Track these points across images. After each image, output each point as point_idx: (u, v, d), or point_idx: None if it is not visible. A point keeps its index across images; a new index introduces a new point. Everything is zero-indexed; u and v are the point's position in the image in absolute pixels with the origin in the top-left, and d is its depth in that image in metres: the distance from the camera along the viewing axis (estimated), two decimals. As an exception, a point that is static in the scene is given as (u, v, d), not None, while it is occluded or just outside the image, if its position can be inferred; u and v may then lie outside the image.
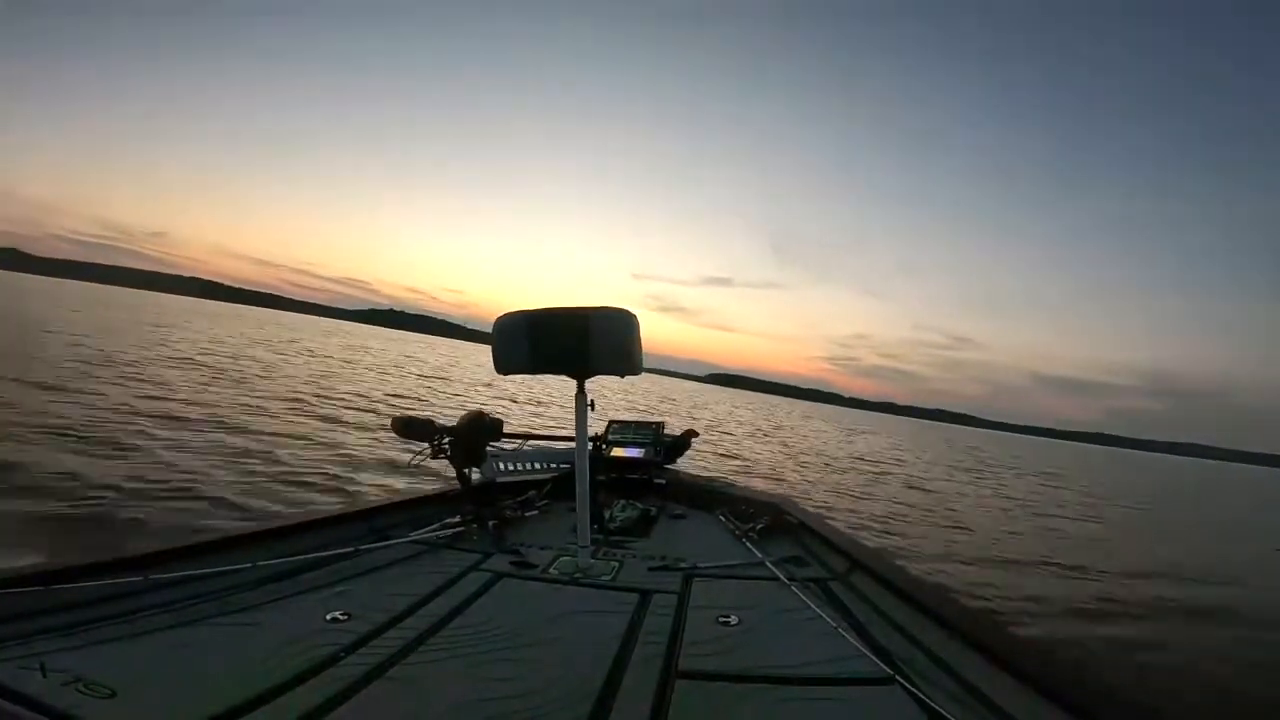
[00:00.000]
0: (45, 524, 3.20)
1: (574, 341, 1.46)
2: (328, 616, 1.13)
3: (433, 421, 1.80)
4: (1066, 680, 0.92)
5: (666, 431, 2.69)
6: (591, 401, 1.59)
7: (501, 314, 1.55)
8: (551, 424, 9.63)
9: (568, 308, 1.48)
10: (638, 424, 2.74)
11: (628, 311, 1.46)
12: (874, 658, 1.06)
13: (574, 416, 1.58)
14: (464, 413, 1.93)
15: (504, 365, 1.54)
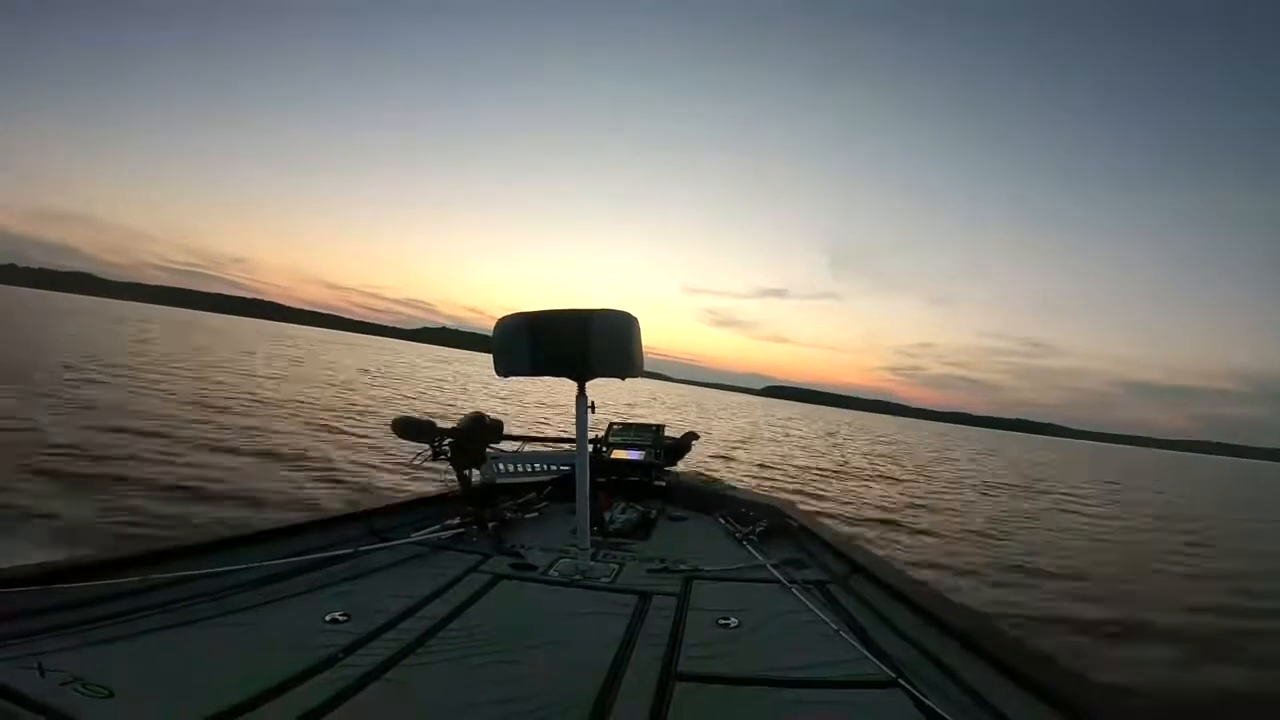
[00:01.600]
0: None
1: (574, 343, 1.46)
2: (326, 618, 1.13)
3: (433, 423, 1.81)
4: (1068, 685, 0.91)
5: (667, 434, 2.69)
6: (591, 404, 1.59)
7: (502, 315, 1.55)
8: (549, 427, 9.51)
9: (568, 309, 1.49)
10: (639, 426, 2.74)
11: (628, 313, 1.46)
12: (875, 660, 1.05)
13: (574, 419, 1.57)
14: (464, 414, 1.94)
15: (504, 367, 1.54)
